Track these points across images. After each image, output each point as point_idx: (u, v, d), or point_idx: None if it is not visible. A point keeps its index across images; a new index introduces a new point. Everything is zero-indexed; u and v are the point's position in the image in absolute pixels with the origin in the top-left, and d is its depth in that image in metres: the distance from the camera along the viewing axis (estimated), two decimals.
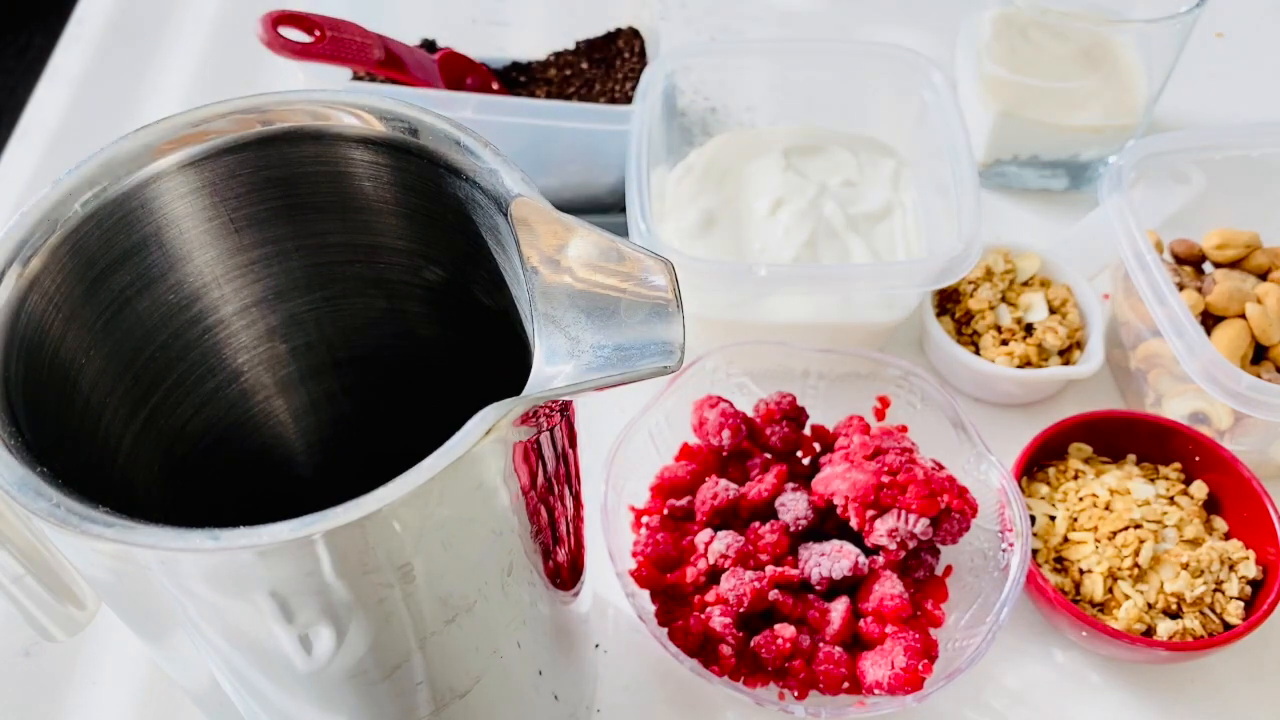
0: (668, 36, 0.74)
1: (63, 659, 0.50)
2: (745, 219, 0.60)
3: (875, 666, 0.45)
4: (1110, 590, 0.49)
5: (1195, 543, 0.50)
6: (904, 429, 0.53)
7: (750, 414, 0.53)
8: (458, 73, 0.68)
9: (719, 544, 0.48)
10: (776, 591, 0.47)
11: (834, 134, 0.64)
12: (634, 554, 0.49)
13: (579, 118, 0.61)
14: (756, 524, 0.50)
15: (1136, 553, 0.49)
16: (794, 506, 0.50)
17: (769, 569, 0.48)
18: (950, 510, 0.48)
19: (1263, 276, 0.58)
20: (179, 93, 0.77)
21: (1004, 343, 0.58)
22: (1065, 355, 0.59)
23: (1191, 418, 0.55)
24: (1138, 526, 0.49)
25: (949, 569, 0.51)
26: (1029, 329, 0.59)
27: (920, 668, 0.44)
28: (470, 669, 0.32)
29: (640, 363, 0.26)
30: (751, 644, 0.46)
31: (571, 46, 0.73)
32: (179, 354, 0.35)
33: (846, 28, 0.83)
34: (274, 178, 0.33)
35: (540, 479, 0.30)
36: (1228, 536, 0.51)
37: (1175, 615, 0.48)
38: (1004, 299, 0.60)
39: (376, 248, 0.36)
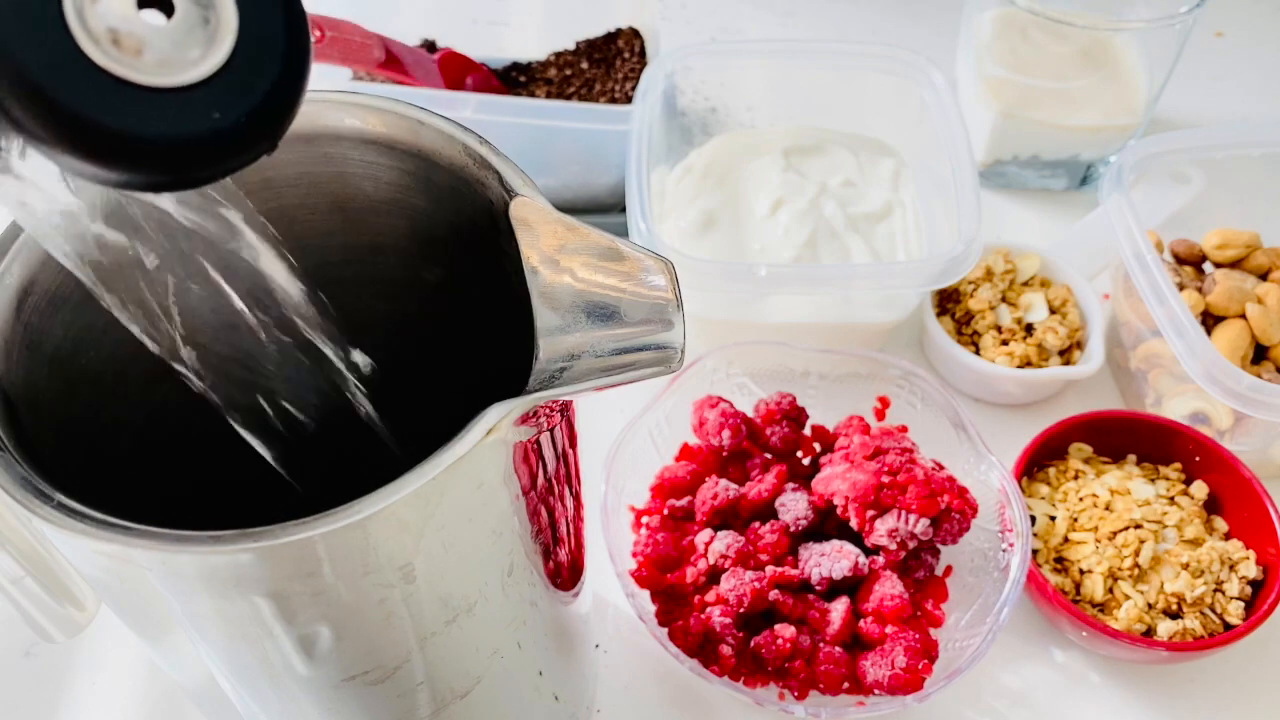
0: (668, 36, 0.74)
1: (63, 659, 0.50)
2: (745, 219, 0.60)
3: (875, 666, 0.45)
4: (1110, 590, 0.49)
5: (1195, 543, 0.50)
6: (904, 429, 0.53)
7: (750, 414, 0.53)
8: (458, 73, 0.68)
9: (719, 544, 0.48)
10: (776, 591, 0.47)
11: (834, 134, 0.64)
12: (634, 554, 0.49)
13: (579, 118, 0.61)
14: (756, 524, 0.50)
15: (1137, 553, 0.49)
16: (794, 506, 0.50)
17: (769, 569, 0.48)
18: (950, 510, 0.48)
19: (1263, 276, 0.58)
20: None
21: (1004, 343, 0.58)
22: (1065, 355, 0.59)
23: (1192, 418, 0.55)
24: (1138, 526, 0.49)
25: (949, 569, 0.50)
26: (1029, 329, 0.59)
27: (920, 668, 0.44)
28: (470, 669, 0.32)
29: (640, 363, 0.26)
30: (751, 644, 0.46)
31: (571, 46, 0.73)
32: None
33: (846, 28, 0.83)
34: (274, 177, 0.33)
35: (540, 479, 0.30)
36: (1228, 537, 0.51)
37: (1175, 615, 0.48)
38: (1004, 299, 0.60)
39: (376, 248, 0.36)
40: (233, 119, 0.21)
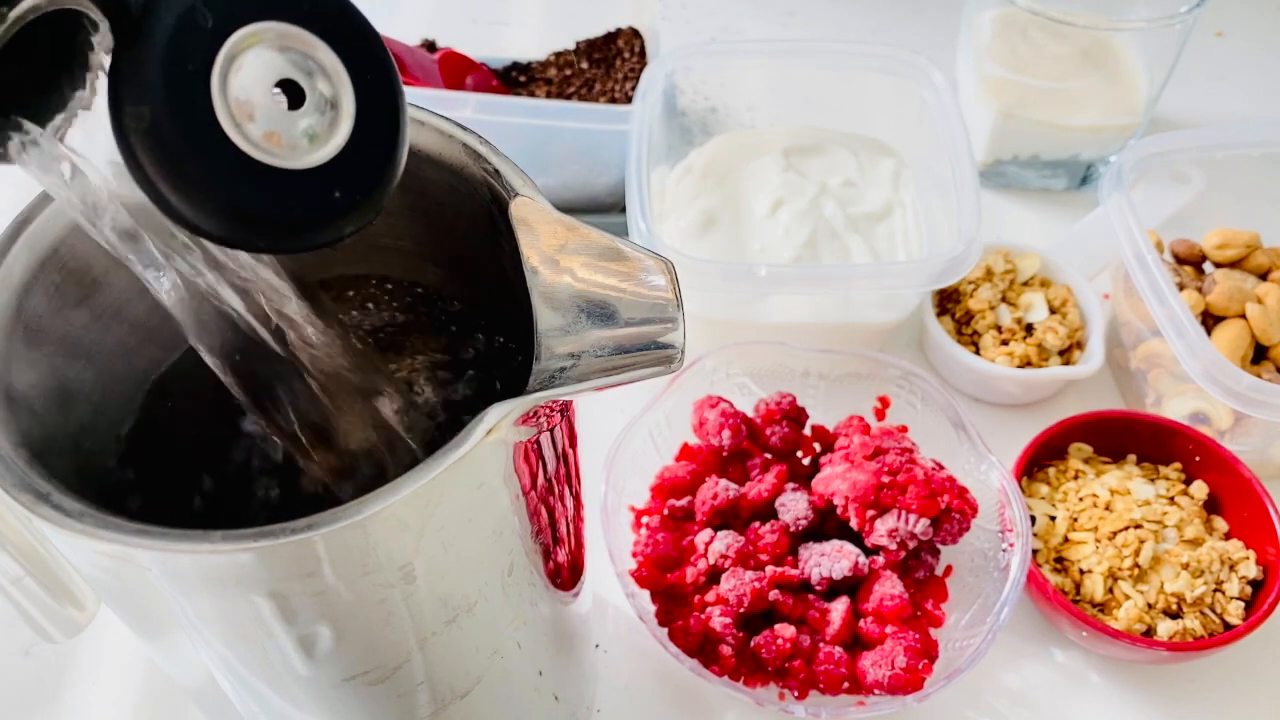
0: (668, 36, 0.74)
1: (63, 659, 0.50)
2: (745, 219, 0.60)
3: (875, 666, 0.45)
4: (1110, 590, 0.49)
5: (1195, 543, 0.50)
6: (904, 429, 0.53)
7: (750, 414, 0.53)
8: (458, 73, 0.68)
9: (719, 544, 0.48)
10: (776, 591, 0.47)
11: (834, 134, 0.64)
12: (634, 554, 0.49)
13: (579, 118, 0.61)
14: (756, 524, 0.50)
15: (1137, 553, 0.49)
16: (794, 506, 0.50)
17: (769, 569, 0.48)
18: (950, 510, 0.48)
19: (1263, 276, 0.58)
20: None
21: (1004, 343, 0.58)
22: (1065, 355, 0.59)
23: (1192, 418, 0.55)
24: (1138, 526, 0.49)
25: (949, 569, 0.50)
26: (1029, 329, 0.59)
27: (920, 668, 0.44)
28: (470, 669, 0.32)
29: (640, 363, 0.26)
30: (751, 644, 0.46)
31: (571, 46, 0.73)
32: (179, 354, 0.35)
33: (846, 28, 0.83)
34: None
35: (540, 479, 0.30)
36: (1228, 537, 0.51)
37: (1175, 615, 0.48)
38: (1004, 299, 0.60)
39: (377, 248, 0.36)
40: (351, 197, 0.23)
